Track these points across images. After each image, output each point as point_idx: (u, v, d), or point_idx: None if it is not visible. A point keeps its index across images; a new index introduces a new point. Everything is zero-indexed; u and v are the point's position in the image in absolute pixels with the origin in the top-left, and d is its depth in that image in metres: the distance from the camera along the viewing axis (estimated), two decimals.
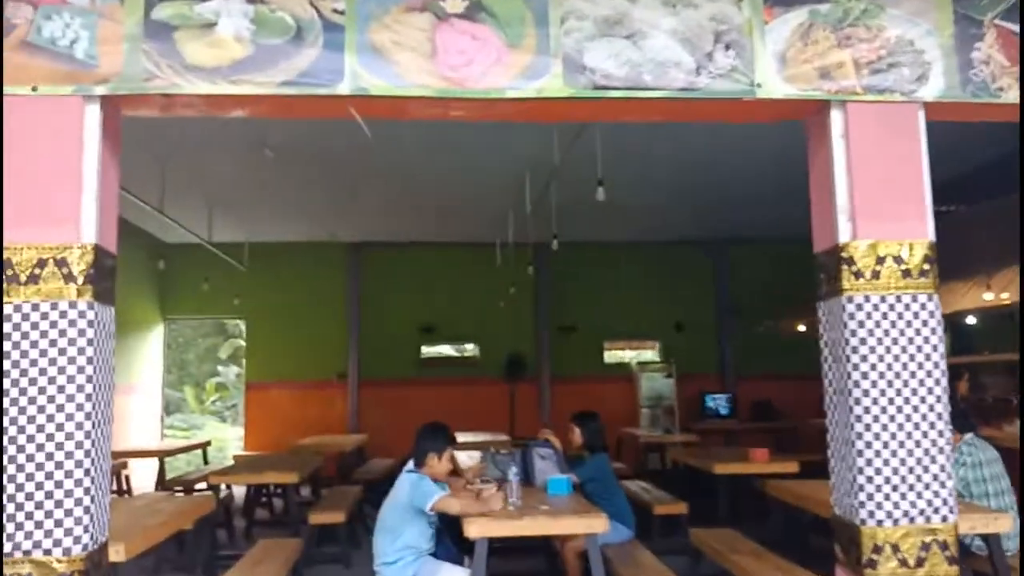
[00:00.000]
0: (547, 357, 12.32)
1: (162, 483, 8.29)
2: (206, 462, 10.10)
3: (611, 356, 13.17)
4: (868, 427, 2.96)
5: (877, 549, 2.91)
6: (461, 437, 8.96)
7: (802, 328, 9.00)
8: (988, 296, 7.35)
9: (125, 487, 8.42)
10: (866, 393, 2.98)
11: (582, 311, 12.49)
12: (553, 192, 7.67)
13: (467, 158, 7.80)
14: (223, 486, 7.75)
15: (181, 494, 7.64)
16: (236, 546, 7.11)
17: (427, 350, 12.56)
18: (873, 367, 2.98)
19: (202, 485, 8.11)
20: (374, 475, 8.84)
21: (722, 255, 12.69)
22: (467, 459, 6.11)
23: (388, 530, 3.94)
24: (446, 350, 13.00)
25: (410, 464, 4.12)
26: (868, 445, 2.95)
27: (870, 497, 2.94)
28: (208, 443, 10.17)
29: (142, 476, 9.74)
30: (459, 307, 12.37)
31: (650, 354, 13.29)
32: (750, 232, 11.88)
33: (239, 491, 8.86)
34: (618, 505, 5.01)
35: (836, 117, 3.12)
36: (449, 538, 4.26)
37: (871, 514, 2.93)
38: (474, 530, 3.72)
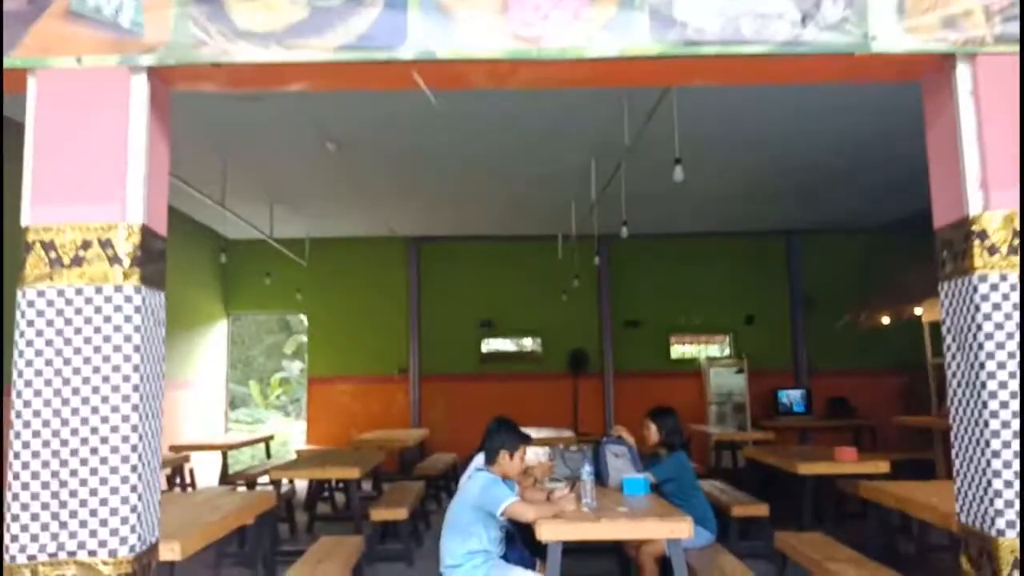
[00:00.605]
0: (611, 352, 11.97)
1: (225, 478, 8.24)
2: (269, 456, 10.06)
3: (678, 351, 12.73)
4: (1006, 424, 2.57)
5: (1019, 564, 2.51)
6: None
7: (885, 320, 8.45)
8: None
9: (188, 481, 8.40)
10: (1003, 385, 2.58)
11: (647, 305, 12.09)
12: (622, 177, 7.31)
13: (530, 144, 7.50)
14: (285, 481, 7.68)
15: (243, 489, 7.59)
16: (297, 541, 7.00)
17: (488, 345, 12.34)
18: (1011, 355, 2.58)
19: (264, 479, 8.05)
20: (436, 471, 8.65)
21: (795, 245, 12.12)
22: (533, 457, 5.85)
23: (456, 531, 3.69)
24: (507, 345, 12.77)
25: (479, 461, 3.86)
26: (1006, 445, 2.56)
27: (1009, 505, 2.54)
28: (271, 437, 10.13)
29: (205, 471, 9.77)
30: (520, 301, 12.11)
31: (718, 349, 12.81)
32: (825, 221, 11.32)
33: (301, 486, 8.78)
34: (698, 507, 4.66)
35: (963, 72, 2.73)
36: (520, 541, 3.99)
37: (1011, 524, 2.54)
38: (547, 533, 3.44)
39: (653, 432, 4.87)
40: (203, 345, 11.34)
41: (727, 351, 12.47)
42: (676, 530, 3.48)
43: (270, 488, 7.35)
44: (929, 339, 8.32)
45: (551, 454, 4.96)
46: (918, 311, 7.98)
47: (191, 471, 8.78)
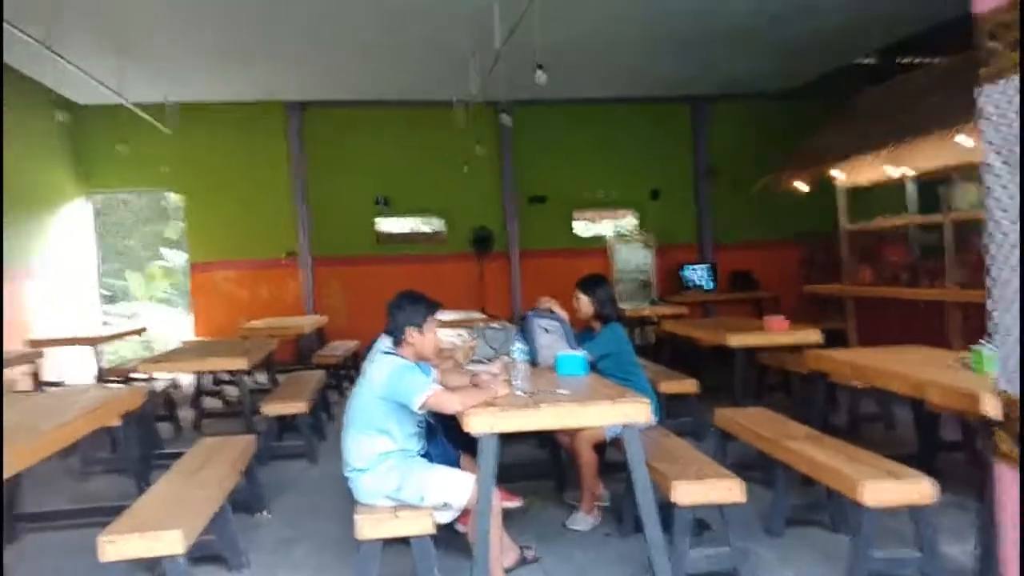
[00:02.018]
0: (516, 230, 11.36)
1: (101, 377, 7.27)
2: (151, 351, 9.06)
3: (584, 228, 12.28)
4: None
5: None
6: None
7: (801, 186, 8.13)
8: None
9: (49, 381, 7.37)
10: None
11: (552, 180, 11.46)
12: (530, 24, 6.43)
13: None
14: (168, 376, 6.82)
15: (120, 386, 6.68)
16: (184, 442, 6.23)
17: (384, 224, 11.47)
18: None
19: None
20: (337, 359, 7.98)
21: (701, 113, 11.66)
22: (448, 339, 5.23)
23: (363, 428, 3.04)
24: (406, 224, 11.93)
25: (385, 343, 3.17)
26: None
27: None
28: (143, 329, 9.10)
29: (72, 370, 8.70)
30: (419, 177, 11.20)
31: (625, 224, 12.44)
32: (732, 85, 10.88)
33: (190, 382, 7.89)
34: (639, 384, 4.17)
35: None
36: (443, 433, 3.39)
37: None
38: (479, 425, 2.84)
39: (585, 304, 4.30)
40: (54, 229, 9.91)
41: (633, 226, 12.11)
42: (632, 414, 2.95)
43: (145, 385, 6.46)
44: (845, 204, 8.09)
45: (472, 333, 4.33)
46: (836, 173, 7.67)
47: (34, 374, 7.71)
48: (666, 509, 3.19)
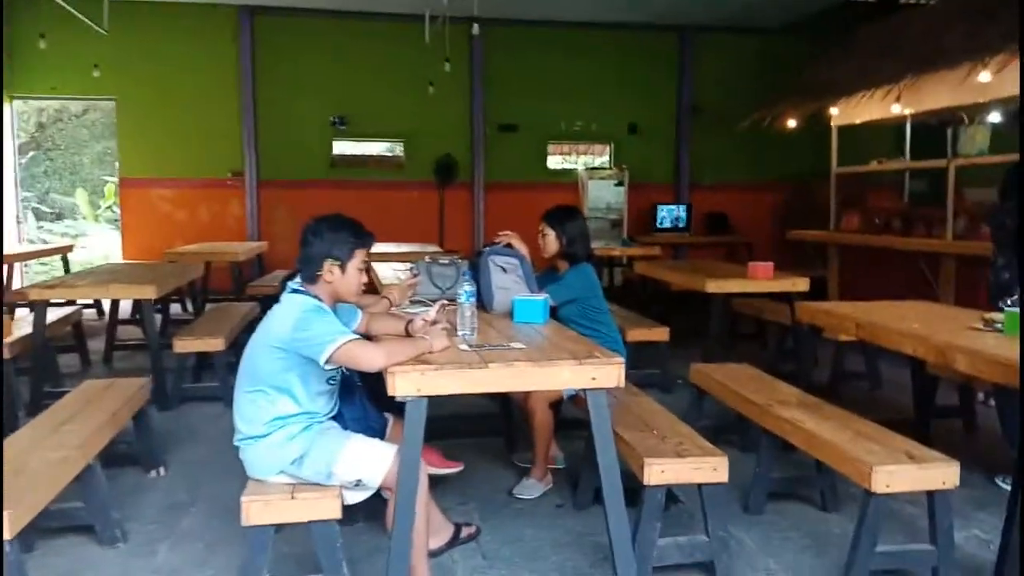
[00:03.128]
0: (482, 160, 10.58)
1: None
2: (67, 273, 8.22)
3: (556, 161, 11.53)
4: None
5: None
6: (382, 248, 7.39)
7: (791, 124, 7.50)
8: None
9: None
10: None
11: (525, 108, 10.62)
12: None
13: None
14: (82, 303, 6.06)
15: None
16: (92, 377, 5.55)
17: (340, 147, 10.60)
18: None
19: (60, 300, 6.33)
20: (274, 289, 7.23)
21: (687, 45, 10.87)
22: (393, 275, 4.58)
23: (255, 385, 2.38)
24: (364, 148, 11.06)
25: (295, 280, 2.49)
26: None
27: None
28: (69, 248, 8.29)
29: None
30: (380, 97, 10.29)
31: (599, 160, 11.72)
32: (721, 19, 10.10)
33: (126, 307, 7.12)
34: (607, 335, 3.57)
35: None
36: (366, 393, 2.75)
37: None
38: (404, 386, 2.21)
39: (551, 240, 3.63)
40: None
41: (607, 162, 11.40)
42: (602, 378, 2.33)
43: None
44: (836, 145, 7.48)
45: (413, 269, 3.66)
46: (833, 111, 7.04)
47: None
48: (631, 479, 2.63)
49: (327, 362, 2.25)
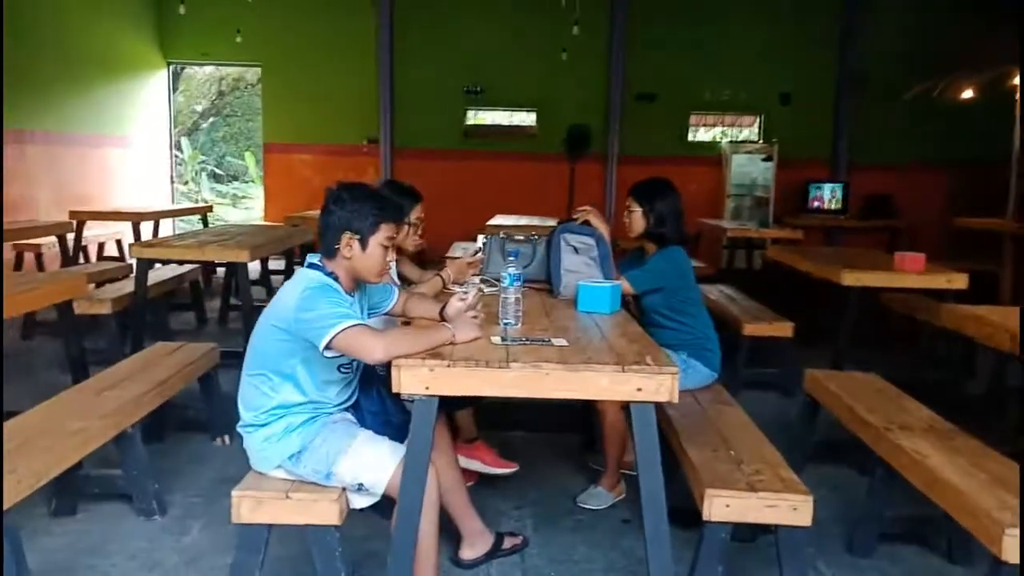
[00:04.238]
0: (617, 131, 10.03)
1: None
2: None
3: (698, 134, 10.80)
4: None
5: None
6: (502, 220, 7.11)
7: (968, 94, 6.49)
8: None
9: (86, 255, 6.96)
10: None
11: (666, 75, 9.96)
12: None
13: None
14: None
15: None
16: (208, 335, 5.71)
17: (475, 117, 10.43)
18: None
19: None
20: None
21: (854, 4, 9.72)
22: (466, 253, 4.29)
23: (258, 368, 2.16)
24: (498, 117, 10.81)
25: (313, 255, 2.24)
26: None
27: None
28: (209, 208, 8.65)
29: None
30: (515, 64, 9.99)
31: (747, 133, 10.85)
32: None
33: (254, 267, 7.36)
34: (697, 331, 3.12)
35: None
36: (386, 386, 2.48)
37: None
38: (410, 382, 1.91)
39: (638, 218, 3.19)
40: (138, 99, 9.55)
41: (755, 135, 10.53)
42: (649, 389, 1.92)
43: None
44: (1020, 120, 6.39)
45: (485, 245, 3.33)
46: (1017, 81, 5.99)
47: (100, 244, 7.40)
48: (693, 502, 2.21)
49: (327, 348, 1.98)
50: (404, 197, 2.96)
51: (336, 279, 2.15)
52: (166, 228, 9.11)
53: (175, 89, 17.33)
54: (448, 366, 1.92)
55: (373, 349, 1.93)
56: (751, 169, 10.15)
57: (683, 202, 3.27)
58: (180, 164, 16.10)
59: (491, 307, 2.42)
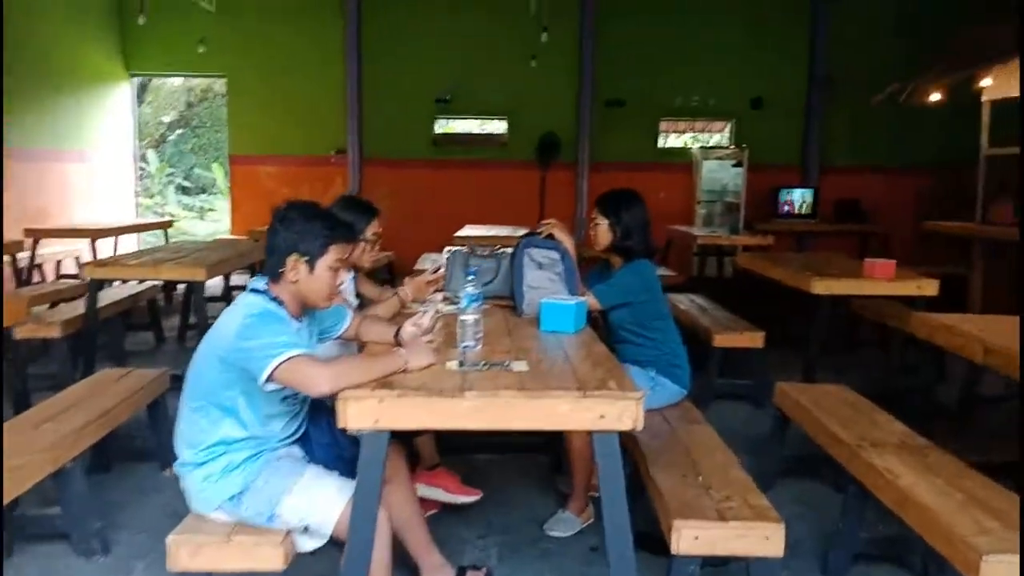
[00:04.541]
0: (588, 138, 9.96)
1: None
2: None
3: (670, 140, 10.77)
4: None
5: None
6: (471, 230, 7.00)
7: (935, 97, 6.50)
8: None
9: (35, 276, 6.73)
10: None
11: (635, 81, 9.89)
12: None
13: None
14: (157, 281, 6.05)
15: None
16: (164, 356, 5.53)
17: (443, 125, 10.32)
18: None
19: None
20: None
21: (821, 7, 9.75)
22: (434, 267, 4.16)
23: (196, 400, 2.03)
24: (468, 126, 10.72)
25: (257, 279, 2.11)
26: None
27: None
28: (170, 223, 8.46)
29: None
30: (484, 72, 9.90)
31: (718, 138, 10.85)
32: None
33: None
34: (665, 347, 3.03)
35: None
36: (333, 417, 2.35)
37: None
38: (356, 416, 1.79)
39: (604, 230, 3.09)
40: (100, 111, 9.33)
41: (726, 141, 10.52)
42: (612, 416, 1.82)
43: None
44: (988, 123, 6.41)
45: (449, 259, 3.21)
46: (985, 83, 6.01)
47: (58, 262, 7.17)
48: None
49: (269, 381, 1.86)
50: (360, 212, 2.85)
51: (281, 304, 2.03)
52: (130, 244, 8.90)
53: (141, 100, 17.08)
54: (398, 396, 1.81)
55: (318, 381, 1.81)
56: (722, 175, 10.14)
57: (651, 212, 3.18)
58: (147, 177, 15.85)
59: (453, 327, 2.31)
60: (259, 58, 9.76)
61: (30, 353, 4.67)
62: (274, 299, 2.03)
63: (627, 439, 2.78)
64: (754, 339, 4.51)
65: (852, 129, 9.67)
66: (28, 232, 6.51)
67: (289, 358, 1.83)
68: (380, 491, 1.85)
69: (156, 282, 5.71)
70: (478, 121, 10.59)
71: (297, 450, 2.15)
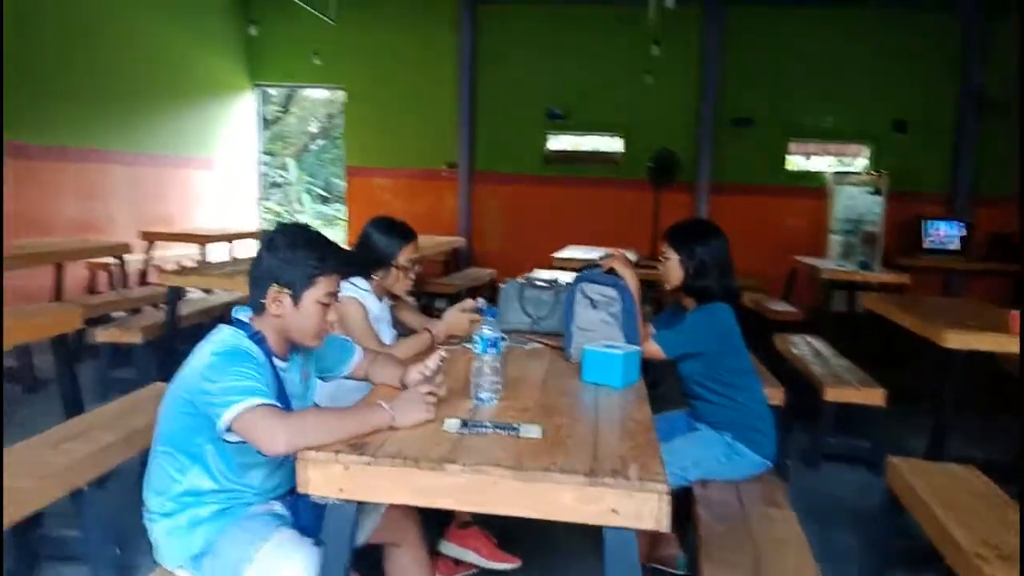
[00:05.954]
0: (709, 157, 9.38)
1: None
2: None
3: (798, 162, 10.02)
4: None
5: None
6: (572, 251, 6.65)
7: None
8: None
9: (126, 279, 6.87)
10: None
11: (764, 98, 9.26)
12: None
13: None
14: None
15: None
16: None
17: (556, 142, 10.03)
18: None
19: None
20: (456, 287, 6.88)
21: (974, 24, 8.77)
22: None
23: (165, 445, 1.79)
24: (579, 143, 10.37)
25: (242, 308, 1.86)
26: None
27: None
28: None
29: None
30: (599, 87, 9.56)
31: (854, 163, 9.99)
32: None
33: None
34: (746, 408, 2.56)
35: None
36: None
37: None
38: (320, 482, 1.50)
39: (674, 266, 2.66)
40: (225, 120, 9.73)
41: (864, 165, 9.65)
42: (627, 512, 1.43)
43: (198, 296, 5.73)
44: None
45: (502, 291, 2.88)
46: None
47: (110, 271, 7.26)
48: None
49: (226, 431, 1.60)
50: (393, 235, 2.59)
51: (262, 340, 1.78)
52: (247, 250, 9.17)
53: (286, 110, 17.87)
54: (368, 464, 1.50)
55: (274, 436, 1.53)
56: (858, 202, 9.25)
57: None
58: (287, 185, 16.56)
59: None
60: (374, 70, 9.85)
61: (115, 357, 4.75)
62: (256, 334, 1.77)
63: (690, 511, 2.36)
64: (872, 396, 3.91)
65: (1009, 155, 8.59)
66: (144, 235, 6.73)
67: (250, 407, 1.56)
68: (347, 568, 1.55)
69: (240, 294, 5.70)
70: (591, 137, 10.22)
71: (279, 506, 1.87)
